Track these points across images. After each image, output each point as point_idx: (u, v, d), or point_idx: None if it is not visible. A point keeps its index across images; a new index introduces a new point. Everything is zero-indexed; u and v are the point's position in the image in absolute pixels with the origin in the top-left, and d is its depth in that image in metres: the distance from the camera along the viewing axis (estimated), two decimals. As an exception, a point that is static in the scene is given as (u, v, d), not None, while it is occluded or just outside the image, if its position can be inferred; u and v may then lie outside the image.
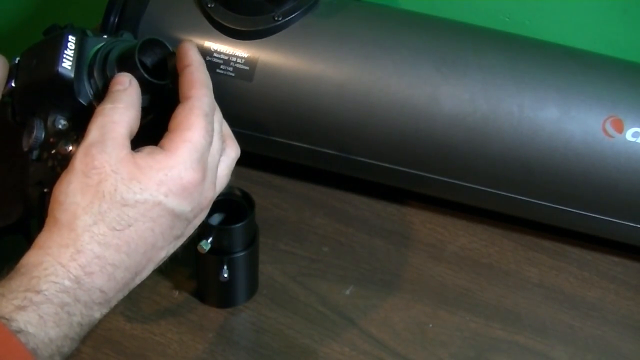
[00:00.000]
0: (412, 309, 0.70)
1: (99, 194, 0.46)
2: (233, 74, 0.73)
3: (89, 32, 0.53)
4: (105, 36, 0.53)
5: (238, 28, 0.74)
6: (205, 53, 0.74)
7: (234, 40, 0.74)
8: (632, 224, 0.71)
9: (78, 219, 0.45)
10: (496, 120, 0.70)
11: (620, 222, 0.71)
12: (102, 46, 0.52)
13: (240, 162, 0.80)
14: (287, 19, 0.73)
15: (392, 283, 0.72)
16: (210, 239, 0.63)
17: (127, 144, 0.48)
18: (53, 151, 0.49)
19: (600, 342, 0.68)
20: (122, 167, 0.46)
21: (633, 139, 0.68)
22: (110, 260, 0.46)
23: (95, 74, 0.51)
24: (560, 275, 0.74)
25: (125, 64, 0.51)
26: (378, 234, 0.77)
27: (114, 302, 0.48)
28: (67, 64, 0.49)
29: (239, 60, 0.73)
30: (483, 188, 0.73)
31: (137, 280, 0.49)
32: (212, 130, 0.50)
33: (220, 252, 0.64)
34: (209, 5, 0.74)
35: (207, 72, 0.52)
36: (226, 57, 0.74)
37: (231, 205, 0.66)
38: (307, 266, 0.73)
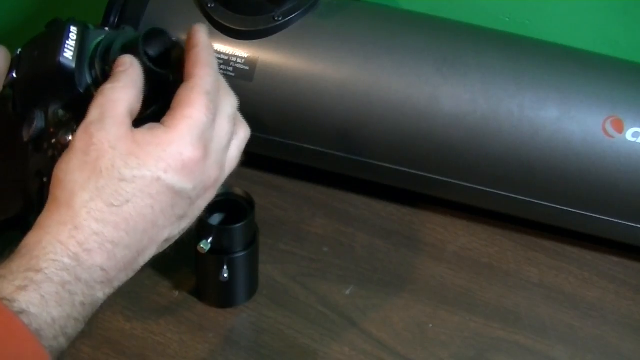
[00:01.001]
0: (412, 309, 0.70)
1: (97, 170, 0.45)
2: (233, 74, 0.73)
3: (90, 26, 0.53)
4: (107, 29, 0.54)
5: (238, 28, 0.74)
6: (205, 53, 0.74)
7: (234, 40, 0.74)
8: (632, 224, 0.71)
9: (76, 196, 0.45)
10: (496, 120, 0.70)
11: (620, 222, 0.71)
12: (103, 38, 0.52)
13: (240, 162, 0.80)
14: (287, 19, 0.73)
15: (392, 283, 0.72)
16: (210, 239, 0.63)
17: (127, 121, 0.47)
18: (53, 141, 0.49)
19: (600, 342, 0.68)
20: (120, 143, 0.46)
21: (633, 139, 0.68)
22: (109, 238, 0.45)
23: (97, 65, 0.51)
24: (560, 275, 0.74)
25: (130, 53, 0.50)
26: (378, 234, 0.77)
27: (116, 283, 0.46)
28: (68, 54, 0.50)
29: (239, 60, 0.73)
30: (483, 188, 0.73)
31: (141, 261, 0.47)
32: (215, 109, 0.49)
33: (220, 252, 0.64)
34: (209, 5, 0.74)
35: (213, 54, 0.51)
36: (226, 57, 0.74)
37: (231, 205, 0.66)
38: (307, 266, 0.73)
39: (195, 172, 0.47)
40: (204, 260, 0.66)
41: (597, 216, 0.72)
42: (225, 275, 0.65)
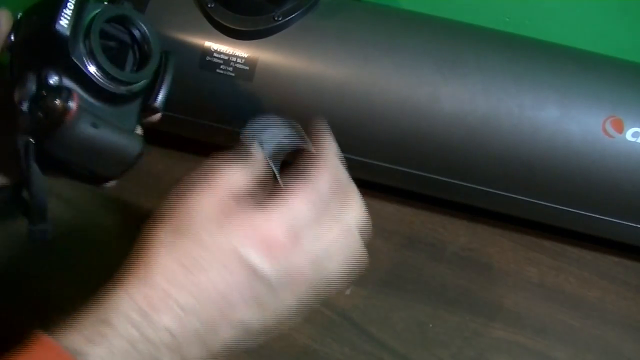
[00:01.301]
0: (412, 309, 0.70)
1: (179, 232, 0.44)
2: (233, 74, 0.73)
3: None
4: (105, 2, 0.55)
5: (238, 28, 0.74)
6: (205, 53, 0.74)
7: (234, 40, 0.74)
8: (632, 224, 0.71)
9: (154, 255, 0.44)
10: (496, 120, 0.70)
11: (620, 222, 0.71)
12: (101, 11, 0.53)
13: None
14: (287, 19, 0.73)
15: (392, 283, 0.72)
16: None
17: (220, 192, 0.47)
18: (41, 104, 0.50)
19: (600, 342, 0.68)
20: (210, 210, 0.45)
21: (633, 139, 0.68)
22: (179, 301, 0.43)
23: (92, 36, 0.51)
24: (560, 275, 0.74)
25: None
26: (378, 234, 0.77)
27: (186, 355, 0.43)
28: (64, 22, 0.50)
29: (239, 60, 0.73)
30: (483, 188, 0.73)
31: (214, 340, 0.44)
32: (325, 209, 0.47)
33: None
34: (209, 5, 0.74)
35: (338, 158, 0.51)
36: (226, 57, 0.74)
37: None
38: (307, 266, 0.73)
39: (278, 257, 0.44)
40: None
41: (597, 216, 0.72)
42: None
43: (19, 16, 0.54)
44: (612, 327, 0.70)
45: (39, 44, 0.52)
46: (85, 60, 0.51)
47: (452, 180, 0.73)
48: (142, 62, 0.55)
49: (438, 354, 0.66)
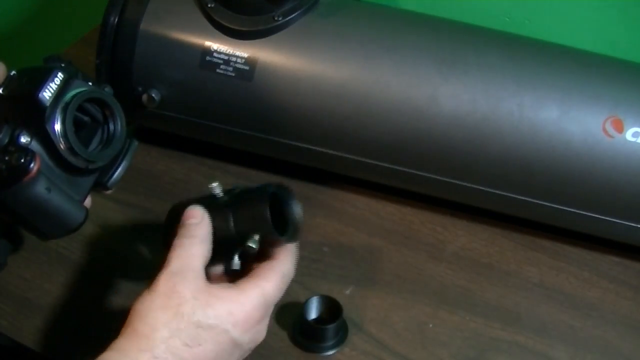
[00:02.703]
0: (412, 309, 0.70)
1: (179, 314, 0.53)
2: (233, 74, 0.73)
3: (80, 75, 0.60)
4: (90, 83, 0.60)
5: (238, 28, 0.74)
6: (205, 53, 0.74)
7: (234, 40, 0.74)
8: (632, 224, 0.71)
9: (157, 332, 0.52)
10: (496, 120, 0.70)
11: (620, 222, 0.71)
12: (82, 91, 0.58)
13: (241, 162, 0.80)
14: (287, 19, 0.73)
15: (392, 283, 0.72)
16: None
17: (203, 274, 0.56)
18: (7, 158, 0.55)
19: (600, 342, 0.68)
20: (200, 294, 0.54)
21: (633, 139, 0.68)
22: None
23: (67, 111, 0.57)
24: (560, 275, 0.74)
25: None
26: (378, 234, 0.77)
27: None
28: (47, 93, 0.56)
29: (239, 60, 0.73)
30: (483, 188, 0.73)
31: None
32: (284, 289, 0.58)
33: None
34: (209, 5, 0.74)
35: (296, 245, 0.61)
36: (226, 57, 0.74)
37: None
38: (307, 266, 0.73)
39: (252, 330, 0.56)
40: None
41: (597, 216, 0.72)
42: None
43: (12, 73, 0.58)
44: (612, 327, 0.70)
45: (19, 105, 0.57)
46: (56, 132, 0.56)
47: (452, 180, 0.73)
48: (107, 141, 0.61)
49: (438, 354, 0.66)
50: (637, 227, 0.71)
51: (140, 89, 0.75)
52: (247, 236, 0.57)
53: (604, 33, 0.82)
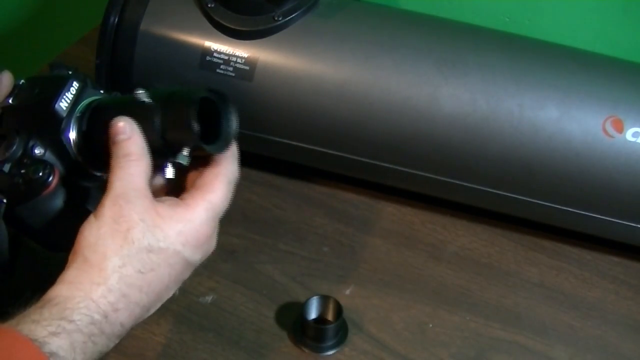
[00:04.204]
0: (412, 309, 0.70)
1: (128, 239, 0.51)
2: (233, 74, 0.73)
3: (89, 82, 0.59)
4: (101, 91, 0.60)
5: (238, 28, 0.74)
6: (205, 53, 0.74)
7: (234, 40, 0.74)
8: (632, 224, 0.71)
9: (108, 260, 0.51)
10: (496, 120, 0.70)
11: (620, 222, 0.71)
12: (96, 99, 0.58)
13: (241, 162, 0.80)
14: (287, 19, 0.73)
15: (392, 283, 0.72)
16: None
17: (148, 193, 0.53)
18: (23, 171, 0.54)
19: (600, 342, 0.68)
20: (148, 215, 0.52)
21: (633, 139, 0.68)
22: (133, 299, 0.51)
23: (84, 120, 0.56)
24: (560, 275, 0.74)
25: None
26: (378, 234, 0.77)
27: (124, 334, 0.52)
28: (64, 104, 0.56)
29: (239, 60, 0.73)
30: (483, 188, 0.73)
31: (146, 316, 0.54)
32: (230, 196, 0.56)
33: None
34: (209, 5, 0.74)
35: (236, 145, 0.57)
36: (226, 57, 0.74)
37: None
38: (307, 266, 0.73)
39: (204, 246, 0.55)
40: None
41: (597, 216, 0.72)
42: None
43: (20, 82, 0.57)
44: (612, 327, 0.70)
45: (34, 115, 0.56)
46: (71, 142, 0.56)
47: (452, 180, 0.73)
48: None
49: (438, 354, 0.66)
50: (637, 227, 0.71)
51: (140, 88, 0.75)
52: (177, 148, 0.54)
53: (604, 33, 0.82)
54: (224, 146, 0.55)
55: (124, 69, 0.75)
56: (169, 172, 0.55)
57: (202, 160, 0.56)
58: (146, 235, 0.52)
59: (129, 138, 0.54)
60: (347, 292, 0.71)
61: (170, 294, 0.55)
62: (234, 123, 0.56)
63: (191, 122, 0.53)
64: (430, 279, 0.73)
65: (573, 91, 0.70)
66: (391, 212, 0.79)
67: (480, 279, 0.73)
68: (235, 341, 0.66)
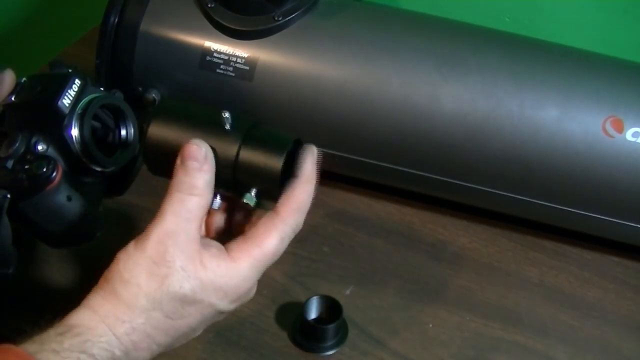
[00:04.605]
0: (412, 309, 0.70)
1: (164, 286, 0.50)
2: (233, 74, 0.73)
3: (89, 80, 0.59)
4: (102, 89, 0.60)
5: (238, 28, 0.74)
6: (205, 53, 0.74)
7: (234, 40, 0.74)
8: (632, 224, 0.71)
9: (139, 302, 0.50)
10: (496, 120, 0.70)
11: (620, 222, 0.71)
12: (98, 97, 0.58)
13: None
14: (287, 19, 0.73)
15: (392, 283, 0.72)
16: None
17: (198, 237, 0.51)
18: (26, 167, 0.54)
19: (600, 342, 0.68)
20: (191, 265, 0.50)
21: (633, 139, 0.68)
22: (157, 340, 0.51)
23: (85, 118, 0.57)
24: (560, 275, 0.74)
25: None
26: (378, 234, 0.77)
27: None
28: (66, 100, 0.56)
29: (239, 60, 0.73)
30: (483, 188, 0.73)
31: (165, 351, 0.53)
32: (282, 251, 0.53)
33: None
34: (209, 5, 0.74)
35: (311, 192, 0.54)
36: (226, 57, 0.74)
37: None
38: (307, 266, 0.73)
39: (242, 298, 0.53)
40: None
41: (597, 216, 0.72)
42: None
43: (22, 80, 0.58)
44: (612, 327, 0.70)
45: (36, 112, 0.56)
46: (73, 138, 0.56)
47: (452, 180, 0.73)
48: (122, 147, 0.60)
49: (438, 354, 0.66)
50: (637, 227, 0.71)
51: (140, 89, 0.75)
52: (244, 186, 0.52)
53: (604, 33, 0.82)
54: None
55: (124, 69, 0.76)
56: (216, 203, 0.53)
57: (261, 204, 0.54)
58: (184, 286, 0.50)
59: (200, 169, 0.51)
60: (347, 292, 0.71)
61: (196, 335, 0.54)
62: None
63: (278, 173, 0.51)
64: (430, 279, 0.73)
65: (573, 91, 0.70)
66: (391, 212, 0.79)
67: (480, 279, 0.73)
68: (235, 341, 0.66)
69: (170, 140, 0.52)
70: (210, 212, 0.54)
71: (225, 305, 0.52)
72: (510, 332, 0.69)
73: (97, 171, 0.58)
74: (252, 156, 0.52)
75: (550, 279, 0.74)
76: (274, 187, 0.52)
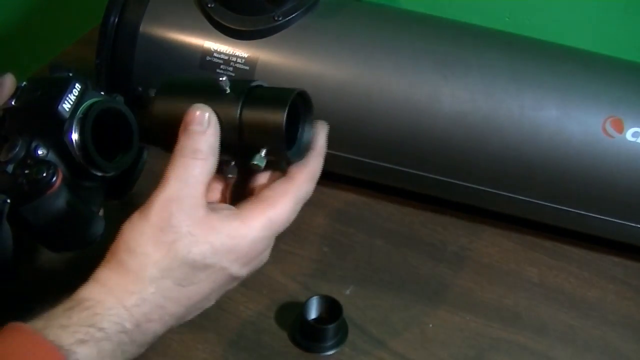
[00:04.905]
0: (412, 309, 0.70)
1: (172, 252, 0.48)
2: (233, 74, 0.73)
3: (89, 83, 0.59)
4: (102, 92, 0.60)
5: (238, 28, 0.74)
6: (205, 53, 0.74)
7: (234, 40, 0.74)
8: (632, 224, 0.71)
9: (147, 271, 0.48)
10: (496, 120, 0.70)
11: (620, 222, 0.71)
12: (98, 101, 0.58)
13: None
14: (287, 19, 0.73)
15: (392, 283, 0.72)
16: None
17: (204, 201, 0.49)
18: (26, 171, 0.54)
19: (600, 342, 0.68)
20: (198, 229, 0.48)
21: (633, 139, 0.68)
22: (169, 311, 0.49)
23: (86, 123, 0.56)
24: (560, 275, 0.74)
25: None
26: (378, 234, 0.77)
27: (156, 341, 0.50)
28: (67, 105, 0.56)
29: (239, 60, 0.73)
30: (483, 188, 0.73)
31: (182, 322, 0.52)
32: (294, 217, 0.52)
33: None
34: (209, 5, 0.74)
35: (322, 164, 0.53)
36: (226, 57, 0.74)
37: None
38: (307, 266, 0.73)
39: (253, 262, 0.51)
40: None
41: (597, 216, 0.72)
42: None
43: (22, 84, 0.58)
44: (612, 327, 0.70)
45: (36, 117, 0.56)
46: (74, 143, 0.56)
47: (452, 180, 0.73)
48: (123, 150, 0.60)
49: (438, 354, 0.66)
50: (637, 227, 0.71)
51: (140, 89, 0.75)
52: (252, 149, 0.50)
53: (604, 33, 0.82)
54: (301, 155, 0.52)
55: (124, 69, 0.76)
56: (232, 171, 0.52)
57: (271, 167, 0.52)
58: (192, 251, 0.48)
59: (203, 132, 0.49)
60: (347, 292, 0.71)
61: (210, 304, 0.52)
62: (312, 133, 0.53)
63: (282, 125, 0.49)
64: (430, 279, 0.73)
65: (573, 91, 0.70)
66: (391, 212, 0.79)
67: (480, 279, 0.73)
68: (235, 341, 0.66)
69: (174, 111, 0.51)
70: (226, 181, 0.53)
71: (237, 269, 0.50)
72: (510, 332, 0.69)
73: (97, 176, 0.58)
74: (254, 114, 0.50)
75: (550, 279, 0.74)
76: (280, 142, 0.50)
